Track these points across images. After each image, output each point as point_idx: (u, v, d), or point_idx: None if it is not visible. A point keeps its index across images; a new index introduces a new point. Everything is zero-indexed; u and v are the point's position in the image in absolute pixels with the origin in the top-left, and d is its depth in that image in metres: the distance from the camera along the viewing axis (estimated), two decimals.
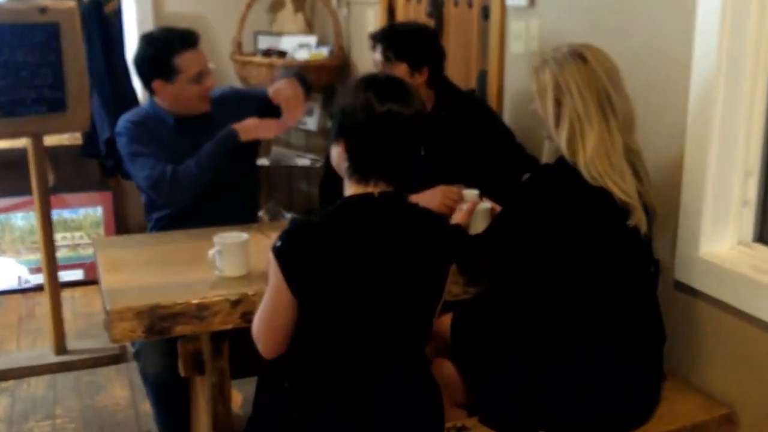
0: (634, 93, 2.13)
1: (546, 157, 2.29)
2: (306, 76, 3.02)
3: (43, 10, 3.32)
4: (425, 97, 2.75)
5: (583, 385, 2.07)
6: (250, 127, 2.78)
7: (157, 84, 2.77)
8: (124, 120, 2.85)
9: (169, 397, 2.62)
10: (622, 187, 2.03)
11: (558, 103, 2.07)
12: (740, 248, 2.27)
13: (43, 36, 3.33)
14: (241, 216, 2.82)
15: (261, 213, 4.21)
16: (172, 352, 2.43)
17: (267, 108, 2.90)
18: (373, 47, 2.82)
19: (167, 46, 2.72)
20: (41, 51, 3.35)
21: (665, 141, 2.33)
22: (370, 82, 1.85)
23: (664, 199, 2.31)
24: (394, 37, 2.78)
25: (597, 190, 2.03)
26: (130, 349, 3.31)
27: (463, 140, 2.79)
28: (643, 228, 2.06)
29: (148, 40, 2.80)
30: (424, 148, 2.72)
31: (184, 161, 2.74)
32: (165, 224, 2.87)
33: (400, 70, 2.73)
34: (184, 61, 2.71)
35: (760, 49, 2.16)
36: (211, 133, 2.79)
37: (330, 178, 2.52)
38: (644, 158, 2.16)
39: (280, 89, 2.83)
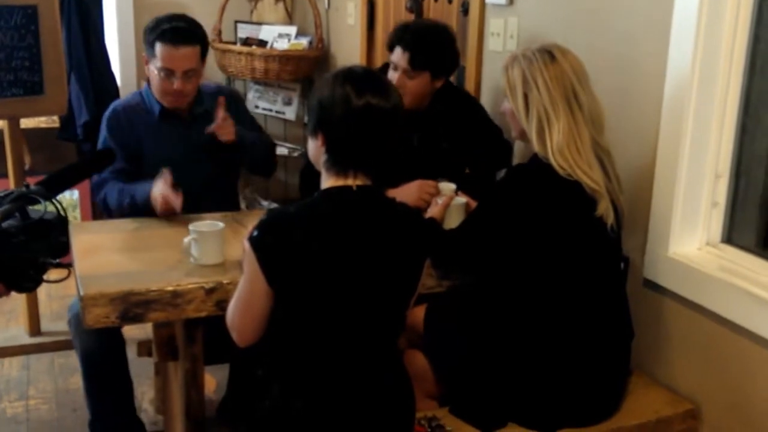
0: (609, 94, 2.17)
1: (519, 158, 2.32)
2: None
3: None
4: (428, 94, 2.75)
5: (551, 378, 2.11)
6: (162, 202, 2.64)
7: (145, 56, 2.80)
8: (110, 108, 2.89)
9: (98, 371, 2.65)
10: (590, 175, 2.08)
11: (526, 98, 2.13)
12: (708, 249, 2.31)
13: (21, 18, 3.30)
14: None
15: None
16: (101, 329, 2.44)
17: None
18: (391, 48, 2.71)
19: (157, 27, 2.74)
20: (18, 33, 3.31)
21: (638, 142, 2.37)
22: (348, 75, 1.84)
23: (636, 200, 2.34)
24: (424, 46, 2.66)
25: (569, 185, 2.07)
26: None
27: (455, 134, 2.79)
28: (609, 219, 2.10)
29: (158, 15, 2.81)
30: (416, 138, 2.76)
31: (165, 151, 2.79)
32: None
33: (423, 77, 2.67)
34: (160, 50, 2.72)
35: (734, 53, 2.19)
36: (194, 128, 2.81)
37: (311, 168, 2.53)
38: (618, 160, 2.20)
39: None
